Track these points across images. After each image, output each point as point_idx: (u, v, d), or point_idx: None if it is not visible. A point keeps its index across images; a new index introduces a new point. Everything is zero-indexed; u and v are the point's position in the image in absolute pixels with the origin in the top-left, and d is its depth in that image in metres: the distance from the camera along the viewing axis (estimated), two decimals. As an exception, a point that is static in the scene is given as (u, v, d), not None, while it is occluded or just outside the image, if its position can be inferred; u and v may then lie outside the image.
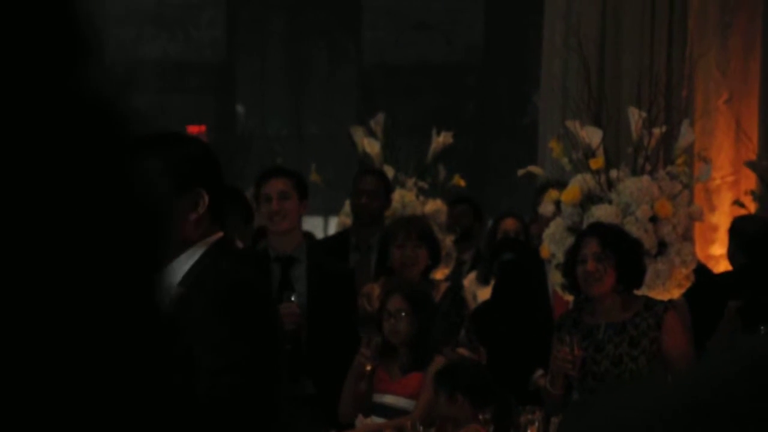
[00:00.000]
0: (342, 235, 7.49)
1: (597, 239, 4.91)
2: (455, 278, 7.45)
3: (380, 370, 5.39)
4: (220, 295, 2.75)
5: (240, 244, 6.17)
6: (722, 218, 9.00)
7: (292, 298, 5.56)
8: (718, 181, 9.09)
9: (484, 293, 7.21)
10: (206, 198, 2.85)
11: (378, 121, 8.37)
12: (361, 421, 5.32)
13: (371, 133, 8.35)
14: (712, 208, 9.09)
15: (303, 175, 6.22)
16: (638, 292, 5.27)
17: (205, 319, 2.66)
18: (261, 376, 2.69)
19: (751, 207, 8.89)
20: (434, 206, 8.02)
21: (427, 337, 5.34)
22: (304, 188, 5.87)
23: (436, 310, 5.61)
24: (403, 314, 5.35)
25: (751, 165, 9.11)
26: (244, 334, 2.69)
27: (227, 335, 2.67)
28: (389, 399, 5.36)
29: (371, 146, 8.25)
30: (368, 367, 5.33)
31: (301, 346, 5.55)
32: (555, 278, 6.26)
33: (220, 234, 2.89)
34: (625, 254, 4.86)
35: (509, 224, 8.04)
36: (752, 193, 9.03)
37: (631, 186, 6.28)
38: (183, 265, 2.84)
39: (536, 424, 5.10)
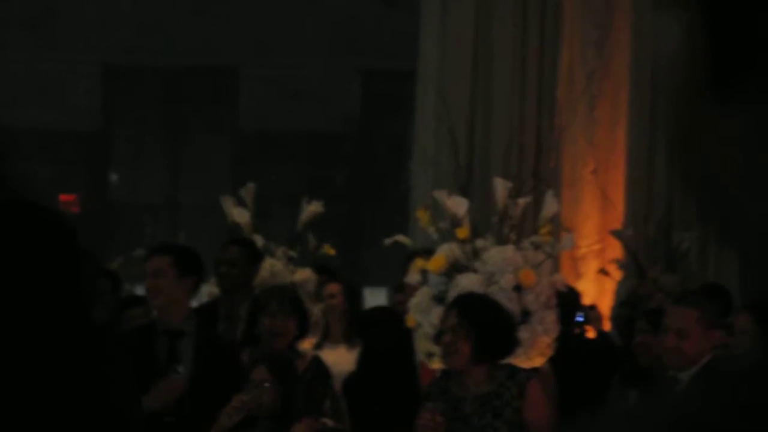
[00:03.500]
0: (211, 304, 7.43)
1: (456, 311, 4.93)
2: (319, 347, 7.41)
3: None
4: None
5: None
6: (588, 285, 9.15)
7: (179, 371, 5.54)
8: (584, 250, 9.24)
9: (345, 357, 7.18)
10: None
11: (248, 191, 8.35)
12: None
13: (242, 203, 8.32)
14: (579, 276, 9.23)
15: (190, 251, 6.16)
16: (503, 361, 5.29)
17: None
18: None
19: (616, 275, 9.06)
20: (303, 275, 8.00)
21: (290, 408, 5.31)
22: (188, 263, 5.86)
23: (298, 381, 5.59)
24: (267, 385, 5.31)
25: (616, 234, 9.30)
26: None
27: None
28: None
29: (241, 216, 8.22)
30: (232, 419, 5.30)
31: (185, 419, 5.51)
32: (422, 347, 6.28)
33: None
34: (485, 326, 4.86)
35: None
36: (617, 261, 9.21)
37: (496, 255, 6.34)
38: None
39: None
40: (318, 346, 7.24)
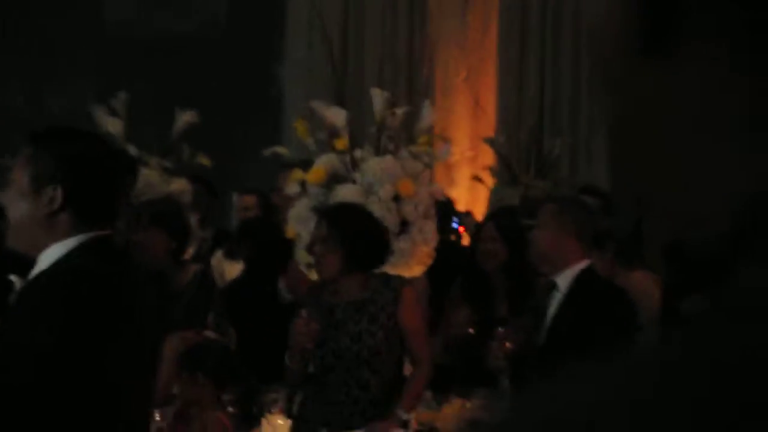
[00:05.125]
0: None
1: (326, 222, 4.95)
2: (203, 258, 7.40)
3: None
4: (50, 283, 2.77)
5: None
6: (462, 192, 9.27)
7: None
8: (457, 157, 9.35)
9: (233, 269, 7.20)
10: (60, 195, 2.86)
11: (120, 100, 8.20)
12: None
13: (113, 112, 8.17)
14: (452, 183, 9.35)
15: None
16: (381, 270, 5.36)
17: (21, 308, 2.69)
18: (52, 374, 2.63)
19: (489, 181, 9.20)
20: (179, 185, 7.92)
21: (166, 323, 5.31)
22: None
23: (176, 294, 5.56)
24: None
25: (488, 141, 9.41)
26: (50, 327, 2.66)
27: (28, 325, 2.68)
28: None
29: (113, 125, 8.08)
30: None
31: None
32: (301, 258, 6.32)
33: (93, 233, 2.89)
34: (354, 235, 4.89)
35: (248, 201, 8.04)
36: (490, 168, 9.34)
37: (375, 166, 6.39)
38: (46, 261, 2.86)
39: (279, 402, 5.17)
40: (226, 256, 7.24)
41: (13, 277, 3.24)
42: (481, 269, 6.11)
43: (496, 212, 7.03)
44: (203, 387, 4.70)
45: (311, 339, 4.83)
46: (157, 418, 4.65)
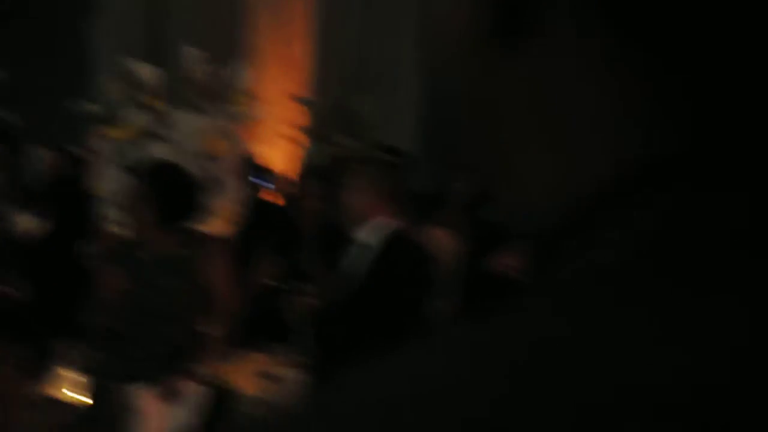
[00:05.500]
0: None
1: (137, 177, 4.95)
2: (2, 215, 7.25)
3: None
4: None
5: None
6: (273, 151, 9.31)
7: None
8: (269, 116, 9.39)
9: (24, 221, 7.08)
10: None
11: None
12: None
13: None
14: (264, 142, 9.37)
15: None
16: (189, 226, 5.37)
17: None
18: None
19: (301, 141, 9.24)
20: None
21: None
22: None
23: None
24: None
25: (301, 100, 9.46)
26: None
27: None
28: None
29: None
30: None
31: None
32: (109, 214, 6.29)
33: None
34: (165, 191, 4.91)
35: (55, 157, 7.90)
36: (302, 127, 9.39)
37: (187, 124, 6.39)
38: None
39: (77, 357, 5.15)
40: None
41: None
42: (294, 226, 6.18)
43: (310, 170, 7.11)
44: None
45: (116, 293, 4.83)
46: None
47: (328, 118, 9.23)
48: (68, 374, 5.05)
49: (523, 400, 0.47)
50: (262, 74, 9.65)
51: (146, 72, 6.47)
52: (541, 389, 0.47)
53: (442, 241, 5.63)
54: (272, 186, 7.26)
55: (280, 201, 7.02)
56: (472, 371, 0.49)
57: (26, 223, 7.32)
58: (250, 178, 6.83)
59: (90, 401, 4.81)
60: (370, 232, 4.70)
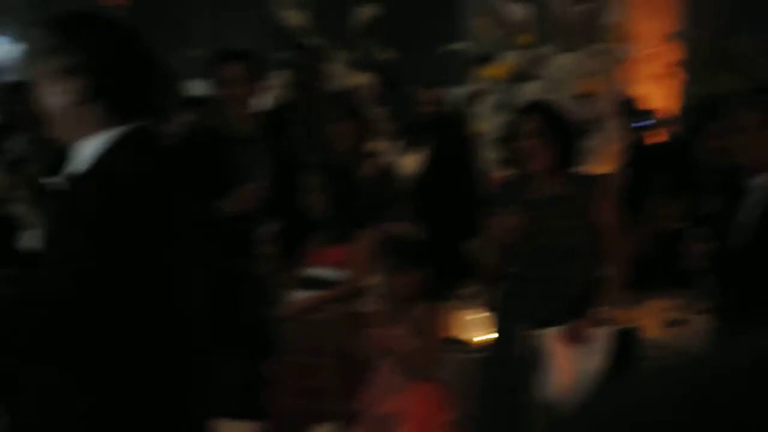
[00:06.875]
0: (276, 111, 7.34)
1: (538, 116, 4.90)
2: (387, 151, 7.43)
3: (304, 247, 5.42)
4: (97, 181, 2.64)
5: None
6: (650, 89, 9.07)
7: (258, 178, 5.46)
8: (645, 53, 9.15)
9: (409, 161, 7.22)
10: (84, 84, 2.72)
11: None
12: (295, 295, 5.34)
13: (300, 4, 8.20)
14: (641, 80, 9.16)
15: (258, 56, 5.93)
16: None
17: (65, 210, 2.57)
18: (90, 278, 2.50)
19: (681, 77, 8.97)
20: (363, 79, 7.95)
21: (347, 211, 5.36)
22: (259, 69, 5.73)
23: (356, 186, 5.57)
24: (319, 190, 5.37)
25: (677, 35, 9.18)
26: (88, 228, 2.54)
27: (66, 226, 2.56)
28: (316, 272, 5.39)
29: (297, 18, 8.11)
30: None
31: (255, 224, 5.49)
32: (486, 154, 6.30)
33: (127, 127, 2.74)
34: (563, 132, 4.87)
35: (431, 95, 8.00)
36: (679, 63, 9.11)
37: (561, 63, 6.30)
38: (84, 151, 2.74)
39: (477, 296, 5.18)
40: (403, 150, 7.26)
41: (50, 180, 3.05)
42: (687, 166, 6.00)
43: (697, 109, 6.86)
44: (413, 281, 4.66)
45: (510, 235, 4.83)
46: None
47: (707, 54, 8.90)
48: (474, 316, 5.09)
49: None
50: (635, 11, 9.41)
51: (514, 10, 6.41)
52: None
53: None
54: (653, 125, 7.08)
55: (662, 140, 6.83)
56: None
57: (409, 160, 7.47)
58: (630, 119, 6.67)
59: (498, 344, 4.83)
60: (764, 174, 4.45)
